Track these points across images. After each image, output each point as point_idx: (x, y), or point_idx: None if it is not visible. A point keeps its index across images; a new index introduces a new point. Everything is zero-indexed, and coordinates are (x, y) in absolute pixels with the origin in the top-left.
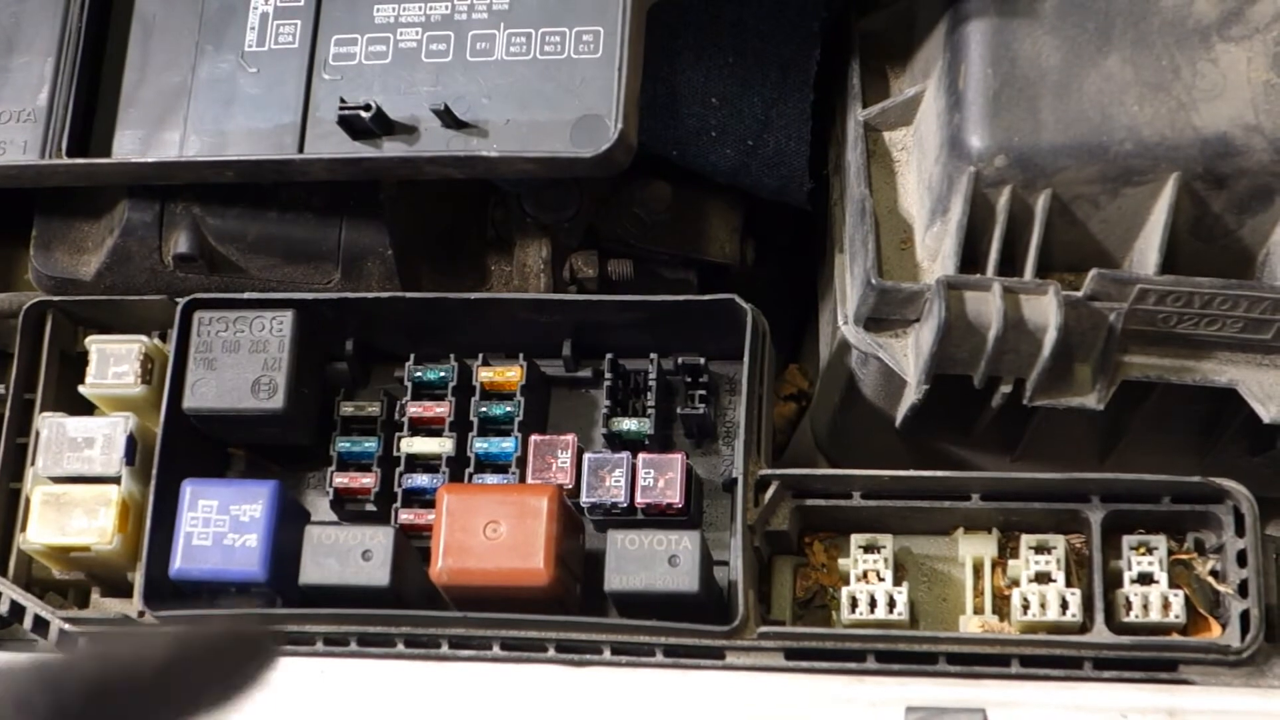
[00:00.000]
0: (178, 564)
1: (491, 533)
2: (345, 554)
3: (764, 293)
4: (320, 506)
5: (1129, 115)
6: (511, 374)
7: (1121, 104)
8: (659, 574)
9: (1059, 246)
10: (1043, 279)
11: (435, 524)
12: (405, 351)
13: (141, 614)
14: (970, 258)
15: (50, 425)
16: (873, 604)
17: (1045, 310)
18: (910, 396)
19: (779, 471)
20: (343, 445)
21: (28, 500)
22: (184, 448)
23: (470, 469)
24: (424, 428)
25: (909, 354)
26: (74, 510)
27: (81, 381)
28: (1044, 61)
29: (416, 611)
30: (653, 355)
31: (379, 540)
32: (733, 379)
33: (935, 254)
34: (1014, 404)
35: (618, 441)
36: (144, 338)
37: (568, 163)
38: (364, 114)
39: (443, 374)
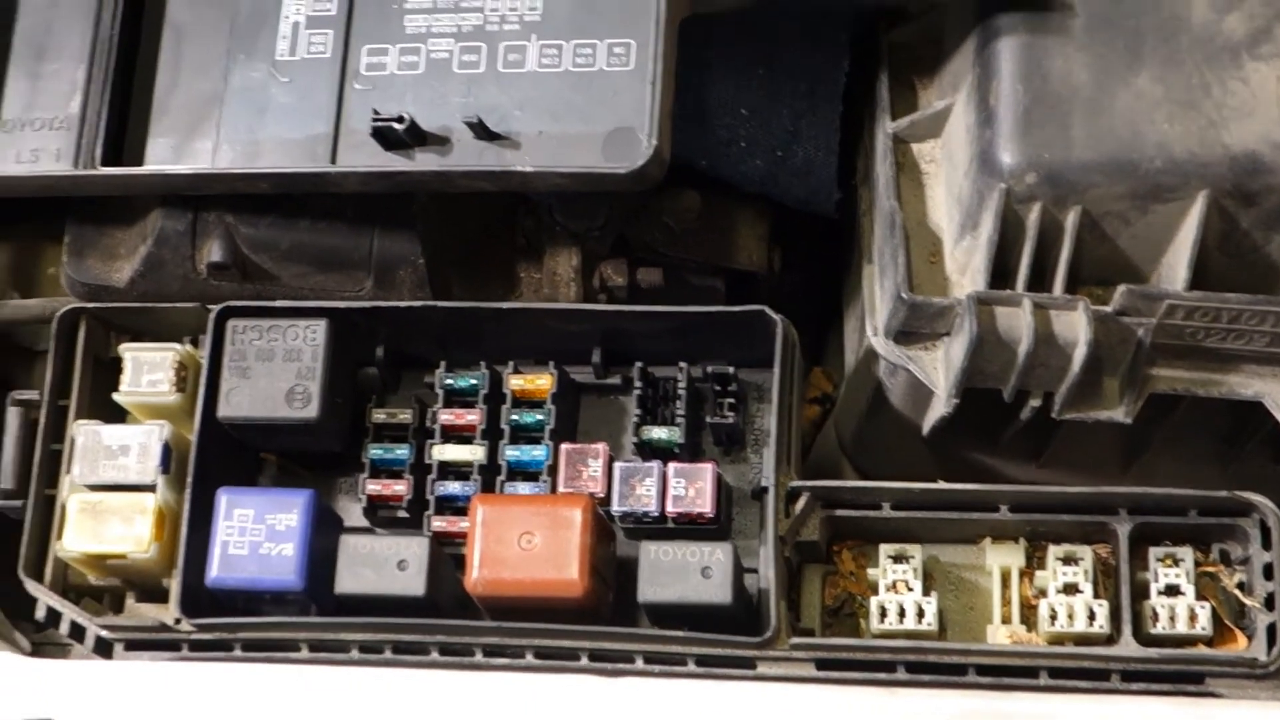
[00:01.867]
0: (214, 572)
1: (526, 543)
2: (381, 564)
3: (788, 296)
4: (352, 512)
5: (1159, 133)
6: (542, 382)
7: (1152, 121)
8: (692, 586)
9: (1088, 261)
10: (1071, 293)
11: (469, 534)
12: (435, 357)
13: (178, 621)
14: (999, 272)
15: (86, 433)
16: (902, 614)
17: (1075, 326)
18: (939, 409)
19: (810, 484)
20: (375, 452)
21: (63, 508)
22: (218, 455)
23: (502, 477)
24: (455, 435)
25: (938, 367)
26: (110, 518)
27: (114, 387)
28: (1075, 78)
29: (451, 621)
30: (682, 364)
31: (414, 550)
32: (761, 386)
33: (965, 268)
34: (1042, 415)
35: (648, 450)
36: (177, 345)
37: (602, 178)
38: (397, 126)
39: (474, 381)
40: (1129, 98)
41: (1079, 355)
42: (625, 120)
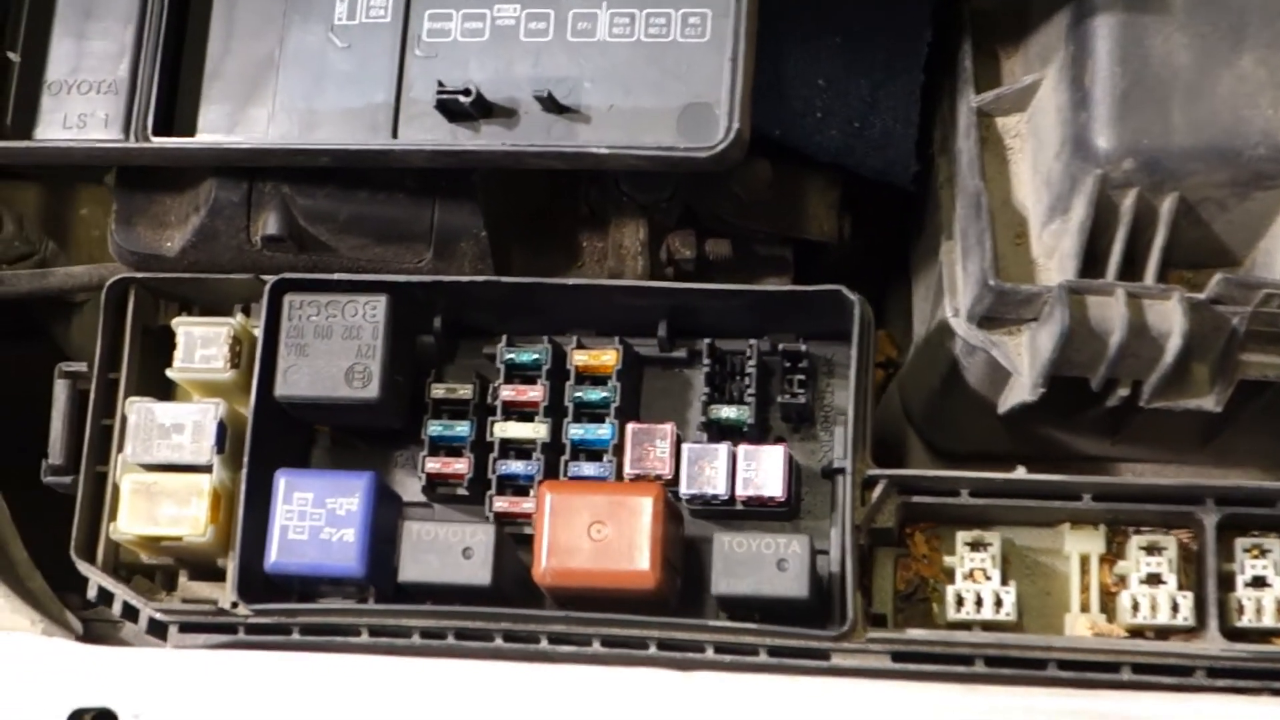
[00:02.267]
0: (273, 558)
1: (596, 533)
2: (445, 551)
3: (851, 258)
4: (410, 486)
5: (1263, 119)
6: (607, 358)
7: (1255, 106)
8: (767, 578)
9: (1181, 246)
10: (1162, 277)
11: (537, 522)
12: (494, 328)
13: (235, 605)
14: (1089, 256)
15: (138, 410)
16: (979, 603)
17: (1169, 316)
18: (1022, 395)
19: (888, 472)
20: (435, 429)
21: (116, 488)
22: (273, 432)
23: (566, 456)
24: (517, 411)
25: (1023, 353)
26: (165, 500)
27: (163, 357)
28: (1175, 60)
29: (517, 610)
30: (752, 342)
31: (480, 538)
32: (831, 360)
33: (1052, 251)
34: (1128, 402)
35: (715, 429)
36: (232, 320)
37: (680, 161)
38: (463, 98)
39: (536, 356)
40: (1231, 81)
41: (1172, 346)
42: (701, 95)
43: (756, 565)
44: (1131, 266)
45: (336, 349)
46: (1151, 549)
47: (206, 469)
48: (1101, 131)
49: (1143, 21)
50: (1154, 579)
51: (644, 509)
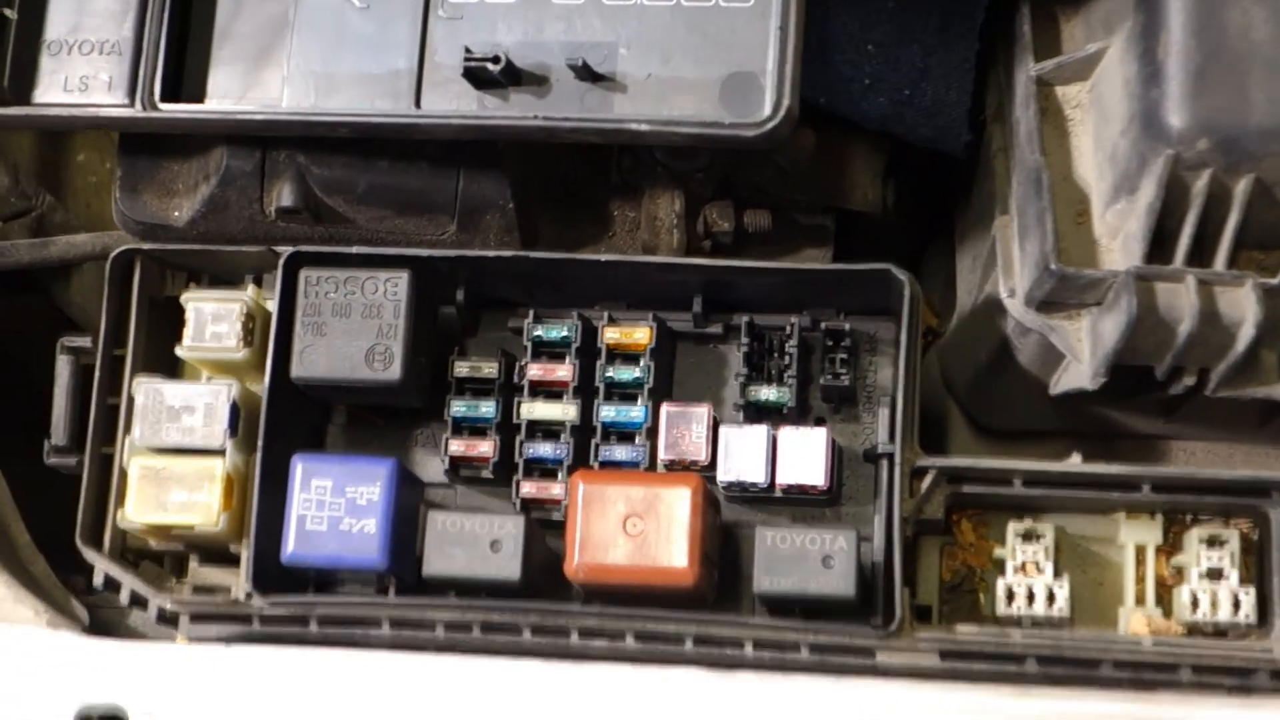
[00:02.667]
0: (290, 549)
1: (632, 528)
2: (472, 543)
3: (891, 221)
4: (431, 466)
5: None
6: (640, 335)
7: None
8: (811, 575)
9: (1252, 227)
10: (1233, 261)
11: (569, 514)
12: (519, 300)
13: (249, 596)
14: (1154, 237)
15: (146, 391)
16: (1030, 598)
17: (1241, 304)
18: (1081, 382)
19: (939, 462)
20: (458, 408)
21: (123, 472)
22: (288, 412)
23: (597, 439)
24: (544, 390)
25: (1083, 339)
26: (175, 486)
27: (170, 330)
28: (1254, 34)
29: (547, 605)
30: (793, 320)
31: (509, 530)
32: (874, 336)
33: (1116, 232)
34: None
35: (753, 410)
36: (244, 295)
37: (727, 139)
38: (492, 66)
39: (565, 333)
40: None
41: (1244, 335)
42: (743, 63)
43: (800, 562)
44: (1199, 247)
45: (356, 328)
46: (1212, 542)
47: (219, 453)
48: (1175, 109)
49: None
50: (1214, 574)
51: (682, 502)
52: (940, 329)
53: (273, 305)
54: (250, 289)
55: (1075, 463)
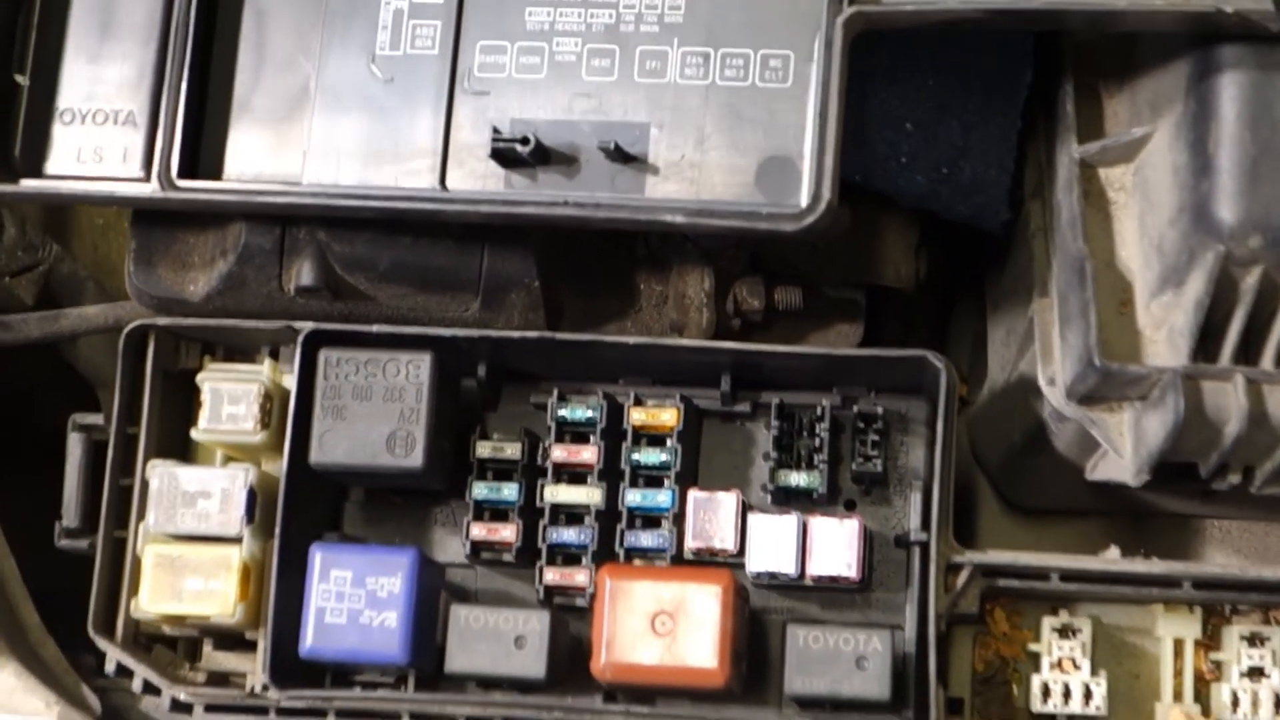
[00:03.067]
0: (309, 643)
1: (661, 627)
2: (496, 639)
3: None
4: (451, 546)
5: None
6: (666, 416)
7: None
8: (845, 677)
9: None
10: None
11: (595, 610)
12: (543, 373)
13: (266, 688)
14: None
15: (161, 475)
16: (1066, 694)
17: None
18: (1122, 476)
19: (975, 558)
20: (480, 491)
21: (137, 559)
22: (305, 494)
23: (622, 525)
24: (569, 472)
25: (1125, 434)
26: (190, 574)
27: (184, 400)
28: None
29: (572, 703)
30: (824, 403)
31: (534, 626)
32: (905, 415)
33: (1161, 323)
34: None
35: (783, 494)
36: (261, 373)
37: (766, 233)
38: (521, 147)
39: (590, 413)
40: None
41: None
42: (780, 148)
43: (833, 663)
44: (1244, 342)
45: (377, 412)
46: (1253, 640)
47: (235, 540)
48: (1227, 203)
49: (1274, 83)
50: (1255, 672)
51: (713, 602)
52: (969, 397)
53: (290, 381)
54: (267, 363)
55: (1114, 557)
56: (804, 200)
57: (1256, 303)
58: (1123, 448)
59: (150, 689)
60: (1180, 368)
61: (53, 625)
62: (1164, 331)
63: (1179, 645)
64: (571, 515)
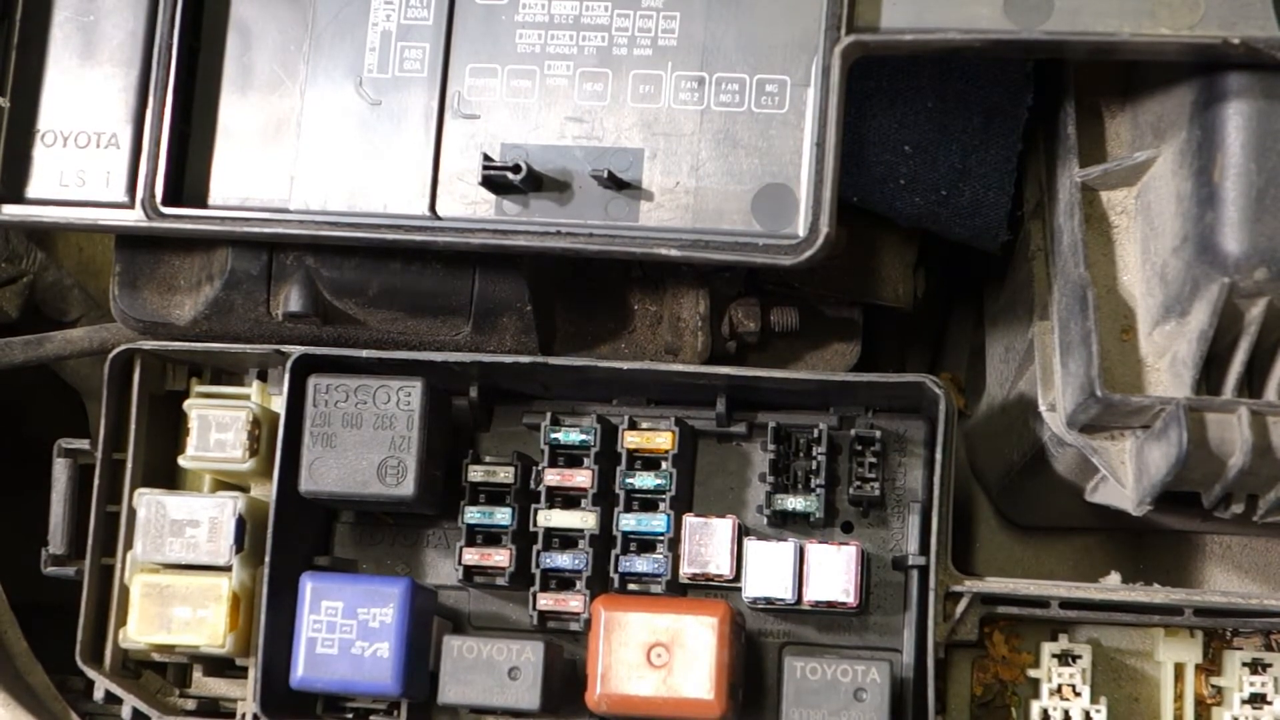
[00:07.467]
0: (300, 673)
1: (657, 658)
2: (489, 670)
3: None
4: (443, 569)
5: None
6: (661, 440)
7: None
8: (842, 708)
9: None
10: None
11: (590, 642)
12: (536, 394)
13: (256, 717)
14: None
15: (148, 504)
16: None
17: None
18: (1123, 504)
19: (975, 587)
20: (472, 515)
21: (125, 588)
22: (295, 521)
23: (617, 550)
24: (562, 495)
25: (1126, 462)
26: (178, 603)
27: (171, 424)
28: None
29: None
30: (820, 427)
31: (527, 657)
32: (903, 436)
33: (1164, 352)
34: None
35: (779, 518)
36: (250, 400)
37: (761, 266)
38: (512, 175)
39: (584, 437)
40: None
41: None
42: (777, 175)
43: (831, 694)
44: (1248, 372)
45: (367, 440)
46: (1255, 666)
47: (225, 569)
48: (1232, 235)
49: None
50: (1257, 699)
51: (709, 633)
52: (966, 410)
53: (278, 404)
54: (255, 385)
55: (1114, 584)
56: (801, 231)
57: (1261, 334)
58: (1124, 477)
59: (139, 717)
60: (1184, 399)
61: (43, 645)
62: (1167, 360)
63: (1179, 669)
64: (565, 540)
